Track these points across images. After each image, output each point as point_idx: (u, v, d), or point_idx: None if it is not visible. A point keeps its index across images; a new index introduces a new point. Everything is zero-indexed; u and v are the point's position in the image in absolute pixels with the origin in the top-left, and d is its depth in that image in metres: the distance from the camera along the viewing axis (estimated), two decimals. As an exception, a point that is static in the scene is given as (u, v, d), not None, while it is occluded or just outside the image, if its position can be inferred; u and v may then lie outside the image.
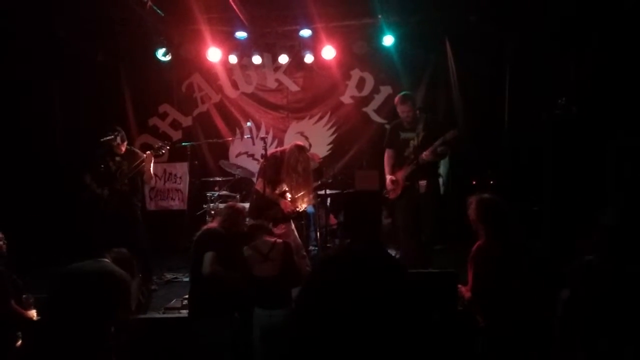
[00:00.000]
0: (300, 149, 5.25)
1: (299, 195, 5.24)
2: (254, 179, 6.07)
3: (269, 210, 5.08)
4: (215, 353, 3.96)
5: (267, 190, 5.10)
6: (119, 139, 5.64)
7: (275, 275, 3.84)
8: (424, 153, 5.29)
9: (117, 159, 5.66)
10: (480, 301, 3.57)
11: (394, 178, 5.52)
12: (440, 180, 6.08)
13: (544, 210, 5.75)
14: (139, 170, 5.66)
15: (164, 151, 5.90)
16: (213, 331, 3.97)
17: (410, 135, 5.49)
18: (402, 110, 5.52)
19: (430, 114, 5.66)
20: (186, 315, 4.36)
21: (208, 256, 3.94)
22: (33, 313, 4.02)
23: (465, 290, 3.70)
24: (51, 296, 3.50)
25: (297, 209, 5.24)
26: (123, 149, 5.72)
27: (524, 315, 3.46)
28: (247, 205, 5.38)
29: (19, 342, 3.95)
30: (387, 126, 7.53)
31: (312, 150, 7.47)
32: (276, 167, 5.24)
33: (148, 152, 5.72)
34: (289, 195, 5.25)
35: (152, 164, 5.73)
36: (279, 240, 4.00)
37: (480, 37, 6.49)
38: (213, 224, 4.34)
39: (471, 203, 3.75)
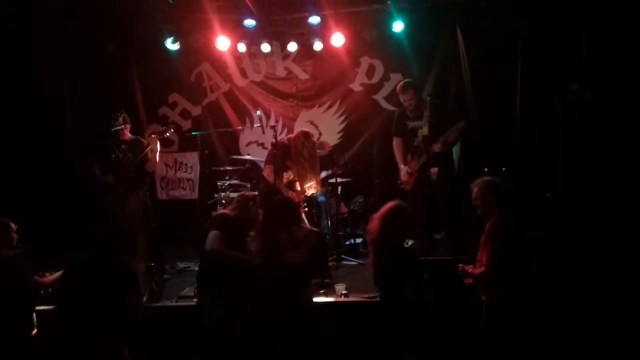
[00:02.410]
0: (306, 135, 5.43)
1: (306, 185, 5.34)
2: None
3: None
4: (213, 329, 4.01)
5: (275, 179, 5.20)
6: (120, 120, 5.64)
7: (299, 265, 3.79)
8: (436, 145, 5.23)
9: (123, 146, 5.68)
10: (493, 274, 3.58)
11: (409, 170, 5.49)
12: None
13: (557, 197, 5.72)
14: (144, 157, 5.66)
15: (168, 134, 5.93)
16: (211, 306, 4.05)
17: (417, 124, 5.43)
18: (404, 99, 5.48)
19: (436, 100, 5.58)
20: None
21: (211, 234, 4.04)
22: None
23: (473, 269, 3.72)
24: (60, 287, 3.55)
25: (305, 195, 5.39)
26: (127, 132, 5.73)
27: (526, 291, 3.57)
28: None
29: (34, 331, 4.01)
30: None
31: (322, 139, 7.47)
32: (283, 154, 5.34)
33: (152, 135, 5.73)
34: (297, 185, 5.34)
35: (157, 147, 5.68)
36: (315, 230, 3.99)
37: (491, 23, 6.41)
38: (224, 210, 4.46)
39: (475, 186, 3.78)
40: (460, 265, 3.82)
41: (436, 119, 5.26)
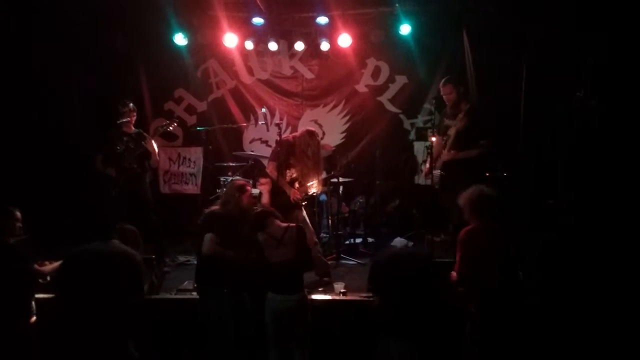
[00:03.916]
0: (311, 134, 5.46)
1: (309, 183, 5.37)
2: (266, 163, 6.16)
3: (279, 196, 5.22)
4: (218, 327, 4.07)
5: (278, 177, 5.23)
6: (128, 109, 5.74)
7: (289, 260, 3.87)
8: (443, 152, 5.25)
9: (125, 139, 5.73)
10: (462, 284, 3.65)
11: (423, 169, 5.51)
12: None
13: (559, 204, 5.72)
14: (146, 150, 5.73)
15: (171, 128, 6.04)
16: (214, 306, 4.10)
17: (450, 123, 5.44)
18: (442, 93, 5.51)
19: (473, 106, 5.56)
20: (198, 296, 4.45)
21: (207, 237, 4.09)
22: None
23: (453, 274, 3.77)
24: (61, 279, 3.55)
25: (307, 193, 5.41)
26: (131, 124, 5.80)
27: (503, 301, 3.57)
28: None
29: (33, 319, 4.04)
30: (402, 116, 7.59)
31: (326, 139, 7.49)
32: (288, 152, 5.37)
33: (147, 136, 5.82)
34: (297, 184, 5.37)
35: (155, 147, 5.81)
36: (292, 225, 4.08)
37: (497, 28, 6.41)
38: (215, 207, 4.47)
39: (463, 194, 3.84)
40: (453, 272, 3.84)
41: (468, 125, 5.20)
